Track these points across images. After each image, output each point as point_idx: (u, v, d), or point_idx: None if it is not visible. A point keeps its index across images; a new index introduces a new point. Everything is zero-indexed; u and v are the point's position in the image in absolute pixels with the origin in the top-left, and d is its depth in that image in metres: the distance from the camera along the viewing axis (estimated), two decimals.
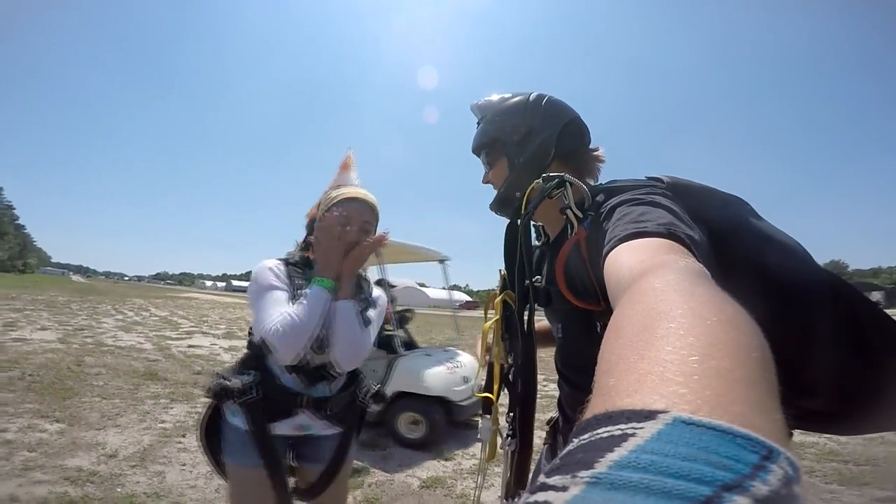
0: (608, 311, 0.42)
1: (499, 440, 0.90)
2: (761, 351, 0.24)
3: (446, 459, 3.50)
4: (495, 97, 0.96)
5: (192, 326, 12.20)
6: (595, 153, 0.91)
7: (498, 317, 0.90)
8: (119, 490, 2.54)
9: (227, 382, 1.23)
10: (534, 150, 0.87)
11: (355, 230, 1.27)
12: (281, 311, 1.17)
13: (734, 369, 0.21)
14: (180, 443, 3.35)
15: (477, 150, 0.98)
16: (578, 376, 0.83)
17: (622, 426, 0.18)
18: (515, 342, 0.84)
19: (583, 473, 0.16)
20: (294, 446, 1.34)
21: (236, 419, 1.25)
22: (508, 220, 0.88)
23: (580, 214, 0.71)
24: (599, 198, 0.71)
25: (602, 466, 0.16)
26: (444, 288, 5.99)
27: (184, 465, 2.97)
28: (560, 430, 0.94)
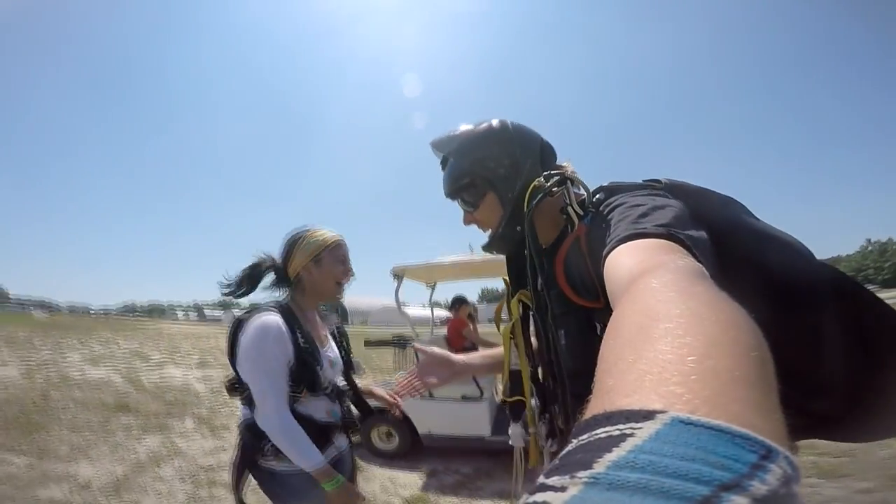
0: (608, 309, 0.43)
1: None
2: (760, 350, 0.24)
3: (426, 475, 3.49)
4: (456, 131, 0.90)
5: (163, 358, 11.80)
6: (569, 168, 0.88)
7: (516, 318, 0.89)
8: None
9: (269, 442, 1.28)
10: (525, 181, 0.81)
11: (351, 267, 1.47)
12: (283, 402, 1.26)
13: (732, 369, 0.21)
14: (155, 472, 3.28)
15: (456, 193, 0.89)
16: (581, 384, 0.79)
17: (620, 426, 0.18)
18: (541, 340, 0.84)
19: (581, 474, 0.16)
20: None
21: (290, 465, 1.27)
22: (502, 229, 0.86)
23: (580, 212, 0.71)
24: (599, 196, 0.71)
25: (600, 467, 0.16)
26: (423, 305, 5.90)
27: (159, 494, 2.93)
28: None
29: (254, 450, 1.30)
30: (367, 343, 5.38)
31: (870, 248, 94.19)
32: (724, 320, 0.26)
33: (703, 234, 0.56)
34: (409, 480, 3.41)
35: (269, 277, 1.43)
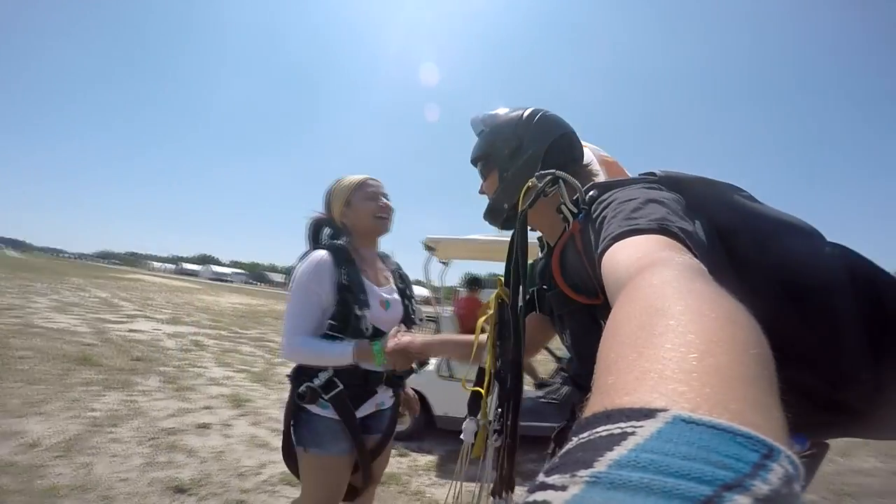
0: (608, 306, 0.42)
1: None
2: (760, 347, 0.24)
3: (401, 456, 3.48)
4: (494, 112, 0.98)
5: (134, 310, 11.54)
6: (588, 167, 0.91)
7: (492, 312, 0.90)
8: (39, 482, 2.36)
9: (313, 384, 1.33)
10: (521, 164, 0.88)
11: (385, 201, 1.48)
12: (303, 328, 1.31)
13: (733, 366, 0.21)
14: (112, 433, 3.15)
15: (473, 162, 1.00)
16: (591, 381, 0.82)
17: (622, 425, 0.18)
18: (506, 339, 0.84)
19: (582, 472, 0.16)
20: (363, 420, 1.43)
21: (327, 410, 1.35)
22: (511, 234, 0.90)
23: (574, 210, 0.72)
24: (593, 193, 0.71)
25: (601, 465, 0.16)
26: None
27: (114, 456, 2.79)
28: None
29: (294, 394, 1.36)
30: None
31: None
32: (725, 317, 0.26)
33: (697, 226, 0.57)
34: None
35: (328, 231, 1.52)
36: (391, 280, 1.54)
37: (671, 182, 0.66)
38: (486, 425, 0.90)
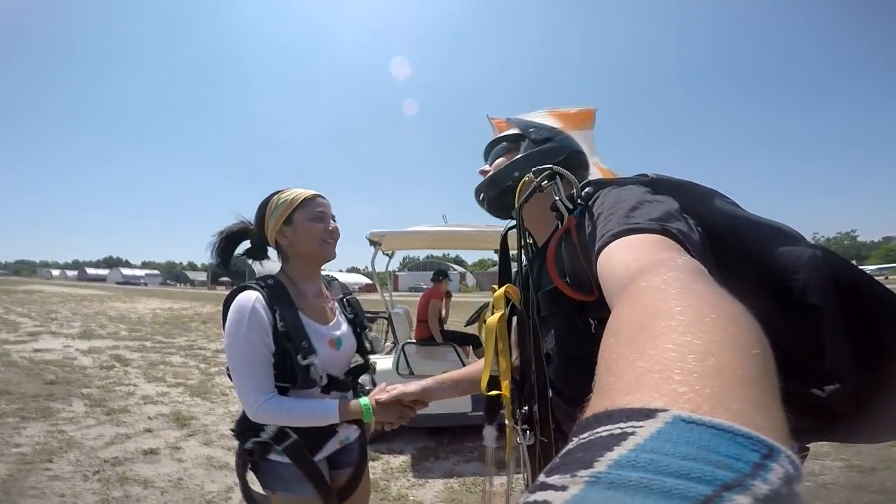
0: (601, 303, 0.45)
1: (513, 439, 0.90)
2: (761, 348, 0.24)
3: (372, 460, 3.47)
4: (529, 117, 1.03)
5: (36, 326, 10.27)
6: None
7: (502, 312, 0.89)
8: None
9: (261, 439, 1.19)
10: (544, 148, 0.91)
11: (334, 223, 1.30)
12: (265, 386, 1.15)
13: (734, 367, 0.21)
14: (49, 469, 2.89)
15: (496, 142, 1.01)
16: (573, 388, 0.78)
17: (622, 425, 0.18)
18: (523, 336, 0.84)
19: (582, 472, 0.16)
20: (329, 457, 1.33)
21: (284, 457, 1.21)
22: (500, 236, 0.96)
23: (570, 206, 0.71)
24: (588, 190, 0.71)
25: (602, 465, 0.16)
26: (340, 271, 5.75)
27: (62, 496, 2.57)
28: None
29: (242, 451, 1.22)
30: None
31: None
32: (726, 318, 0.26)
33: (693, 228, 0.57)
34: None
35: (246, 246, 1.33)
36: (337, 312, 1.37)
37: (662, 185, 0.67)
38: (514, 427, 0.89)
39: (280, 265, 1.31)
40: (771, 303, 0.60)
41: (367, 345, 1.44)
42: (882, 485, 2.87)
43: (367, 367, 1.41)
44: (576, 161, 0.91)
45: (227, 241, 1.30)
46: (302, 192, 1.27)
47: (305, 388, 1.18)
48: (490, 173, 0.95)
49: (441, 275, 5.09)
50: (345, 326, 1.35)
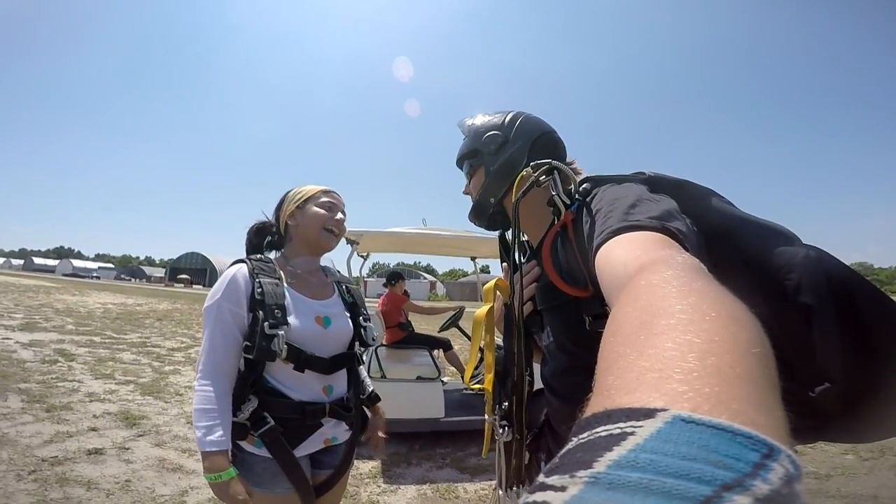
0: (597, 299, 0.45)
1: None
2: (762, 347, 0.24)
3: None
4: (477, 115, 1.00)
5: None
6: (572, 165, 0.91)
7: (491, 305, 0.89)
8: None
9: (237, 419, 1.14)
10: (505, 160, 0.89)
11: (342, 216, 1.37)
12: (217, 368, 1.14)
13: (734, 366, 0.21)
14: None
15: (459, 162, 1.00)
16: (567, 386, 0.78)
17: (621, 425, 0.18)
18: (508, 331, 0.83)
19: (581, 473, 0.16)
20: (313, 455, 1.29)
21: (261, 449, 1.17)
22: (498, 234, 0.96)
23: (567, 201, 0.71)
24: (586, 186, 0.71)
25: (601, 466, 0.16)
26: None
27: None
28: (547, 446, 0.89)
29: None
30: None
31: None
32: (726, 317, 0.25)
33: (692, 227, 0.57)
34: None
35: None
36: (335, 293, 1.38)
37: (660, 183, 0.67)
38: (493, 422, 0.89)
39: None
40: (765, 302, 0.60)
41: (364, 336, 1.38)
42: (839, 490, 2.97)
43: (353, 357, 1.36)
44: (544, 155, 0.86)
45: (254, 235, 1.39)
46: (319, 186, 1.38)
47: (267, 360, 1.15)
48: (472, 204, 0.97)
49: (395, 277, 5.01)
50: (339, 308, 1.35)
